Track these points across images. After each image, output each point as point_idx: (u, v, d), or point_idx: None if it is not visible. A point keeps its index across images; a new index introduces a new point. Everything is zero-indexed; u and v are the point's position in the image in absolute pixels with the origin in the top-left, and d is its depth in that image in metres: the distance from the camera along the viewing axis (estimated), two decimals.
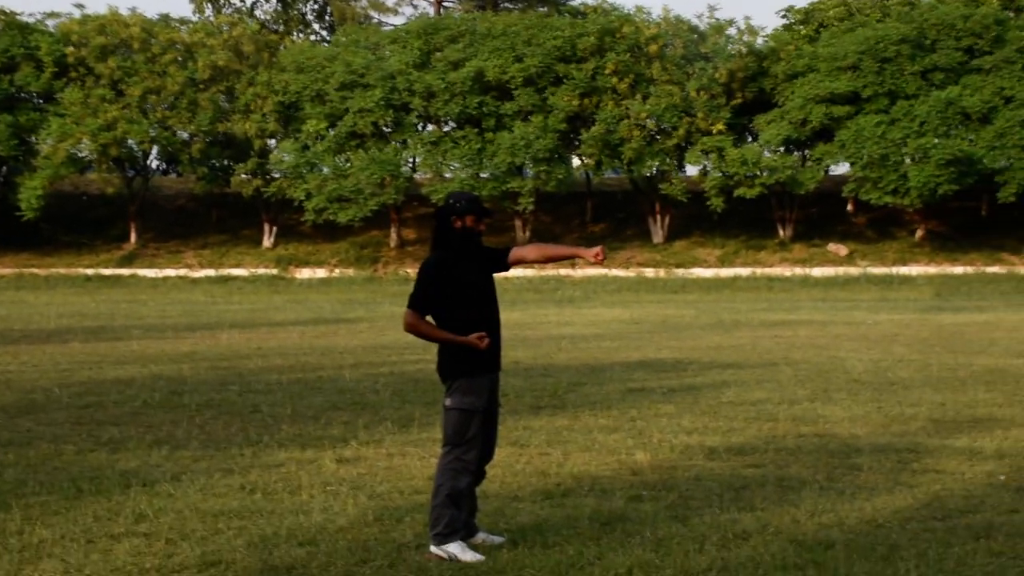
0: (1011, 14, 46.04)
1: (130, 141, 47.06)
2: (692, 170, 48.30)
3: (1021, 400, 11.77)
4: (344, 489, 7.56)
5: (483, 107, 45.38)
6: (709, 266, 45.41)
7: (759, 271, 44.04)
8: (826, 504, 7.05)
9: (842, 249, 46.21)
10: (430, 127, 48.05)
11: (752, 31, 47.77)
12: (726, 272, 44.20)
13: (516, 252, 6.19)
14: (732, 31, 47.66)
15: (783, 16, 50.98)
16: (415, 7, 65.66)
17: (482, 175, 44.95)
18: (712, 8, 53.70)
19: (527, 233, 46.95)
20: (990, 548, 6.03)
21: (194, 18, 55.22)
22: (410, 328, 6.03)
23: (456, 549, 5.93)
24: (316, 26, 62.26)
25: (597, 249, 6.15)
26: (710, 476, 7.97)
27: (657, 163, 45.90)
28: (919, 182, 41.79)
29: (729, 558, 5.86)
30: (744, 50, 46.72)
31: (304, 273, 46.55)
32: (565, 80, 45.36)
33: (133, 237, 49.58)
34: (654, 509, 6.96)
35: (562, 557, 5.89)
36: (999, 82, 42.81)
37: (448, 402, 6.08)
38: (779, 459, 8.58)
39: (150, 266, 47.53)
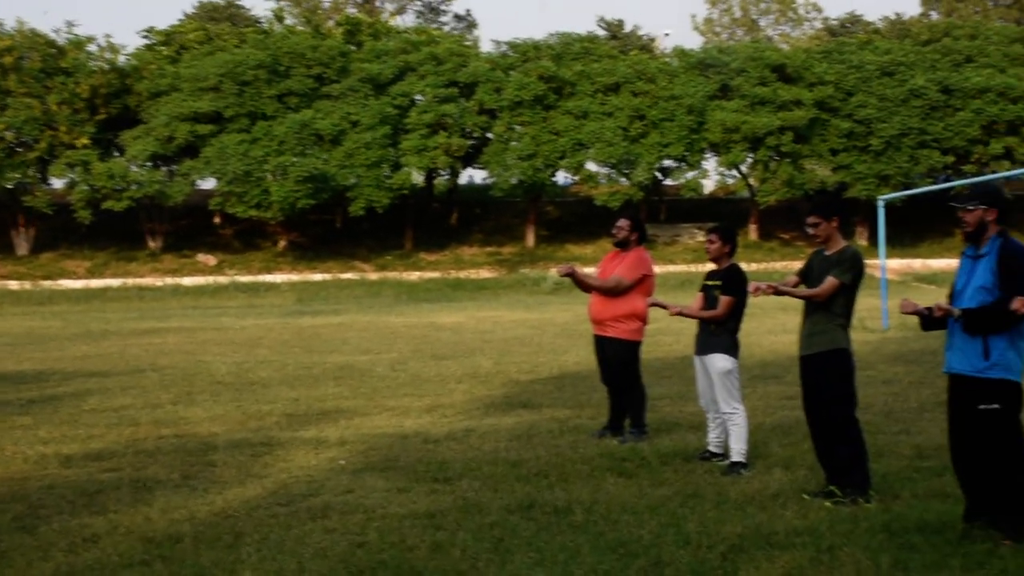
0: (353, 47, 49.13)
1: None
2: (58, 183, 45.70)
3: (364, 392, 12.54)
4: None
5: None
6: (78, 277, 43.20)
7: (130, 281, 42.72)
8: (179, 501, 6.97)
9: (211, 259, 46.33)
10: None
11: (114, 49, 46.21)
12: (96, 283, 42.32)
13: None
14: (93, 48, 45.77)
15: (144, 36, 49.97)
16: None
17: None
18: (71, 24, 50.92)
19: None
20: (326, 526, 6.33)
21: None
22: None
23: None
24: None
25: None
26: (64, 484, 7.54)
27: (19, 176, 42.87)
28: (280, 196, 43.10)
29: (76, 562, 5.57)
30: (106, 67, 45.12)
31: None
32: None
33: None
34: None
35: None
36: (346, 107, 45.45)
37: None
38: (137, 461, 8.35)
39: None
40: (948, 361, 5.90)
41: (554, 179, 51.39)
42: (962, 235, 5.89)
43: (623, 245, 9.29)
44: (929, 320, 5.95)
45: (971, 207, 5.78)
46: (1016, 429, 5.72)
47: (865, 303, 27.24)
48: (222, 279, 43.58)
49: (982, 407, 5.67)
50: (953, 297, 5.93)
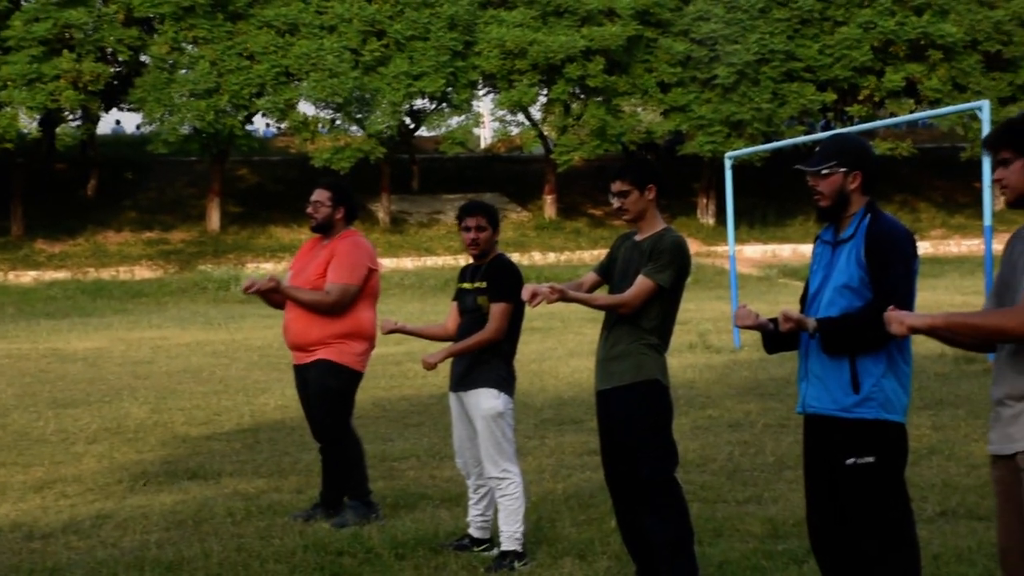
0: None
1: None
2: None
3: None
4: None
5: None
6: None
7: None
8: None
9: None
10: None
11: None
12: None
13: None
14: None
15: None
16: None
17: None
18: None
19: None
20: None
21: None
22: None
23: None
24: None
25: None
26: None
27: None
28: None
29: None
30: None
31: None
32: None
33: None
34: None
35: None
36: None
37: None
38: None
39: None
40: (803, 396, 6.13)
41: (249, 128, 51.03)
42: (815, 212, 6.15)
43: (325, 229, 9.35)
44: (774, 336, 6.17)
45: (825, 171, 6.00)
46: (899, 492, 5.98)
47: (709, 309, 28.42)
48: None
49: (851, 461, 5.93)
50: (806, 302, 6.19)
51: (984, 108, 16.65)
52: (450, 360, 8.33)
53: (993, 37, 50.96)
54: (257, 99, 46.87)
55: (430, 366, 8.22)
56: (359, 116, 47.67)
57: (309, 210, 9.44)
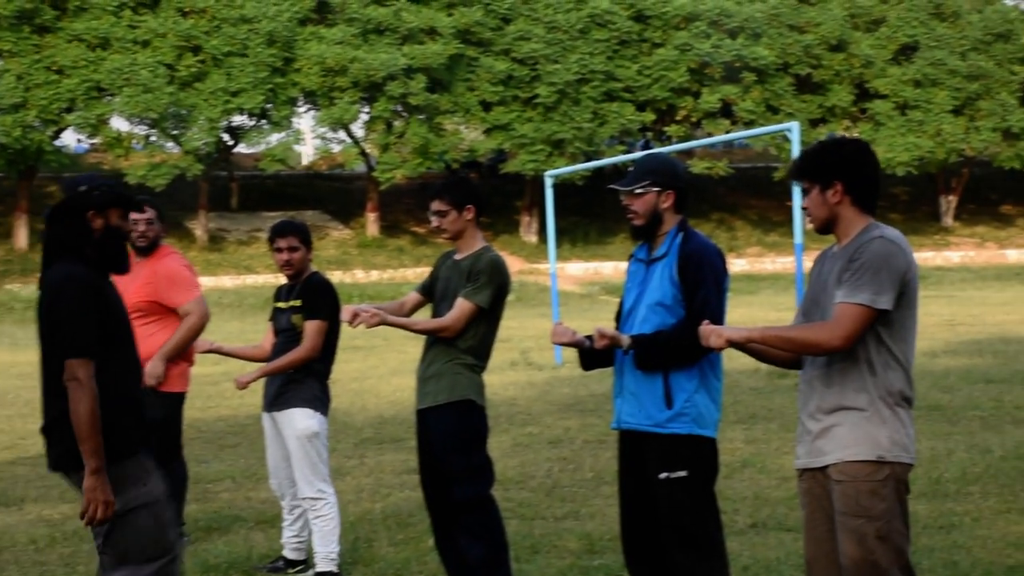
0: None
1: None
2: None
3: None
4: None
5: None
6: None
7: None
8: None
9: None
10: None
11: None
12: None
13: None
14: None
15: None
16: None
17: None
18: None
19: None
20: None
21: None
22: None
23: None
24: None
25: None
26: None
27: None
28: None
29: None
30: None
31: None
32: None
33: None
34: None
35: None
36: None
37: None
38: None
39: None
40: (618, 412, 6.22)
41: (58, 143, 50.14)
42: (630, 230, 6.25)
43: (148, 250, 9.13)
44: (590, 353, 6.25)
45: (639, 190, 6.14)
46: (710, 505, 6.11)
47: (532, 327, 28.56)
48: None
49: (664, 476, 6.02)
50: (621, 318, 6.28)
51: (794, 129, 17.12)
52: (263, 380, 8.28)
53: (803, 60, 52.56)
54: (67, 114, 46.10)
55: (242, 386, 8.18)
56: (175, 132, 47.15)
57: (141, 229, 8.97)
